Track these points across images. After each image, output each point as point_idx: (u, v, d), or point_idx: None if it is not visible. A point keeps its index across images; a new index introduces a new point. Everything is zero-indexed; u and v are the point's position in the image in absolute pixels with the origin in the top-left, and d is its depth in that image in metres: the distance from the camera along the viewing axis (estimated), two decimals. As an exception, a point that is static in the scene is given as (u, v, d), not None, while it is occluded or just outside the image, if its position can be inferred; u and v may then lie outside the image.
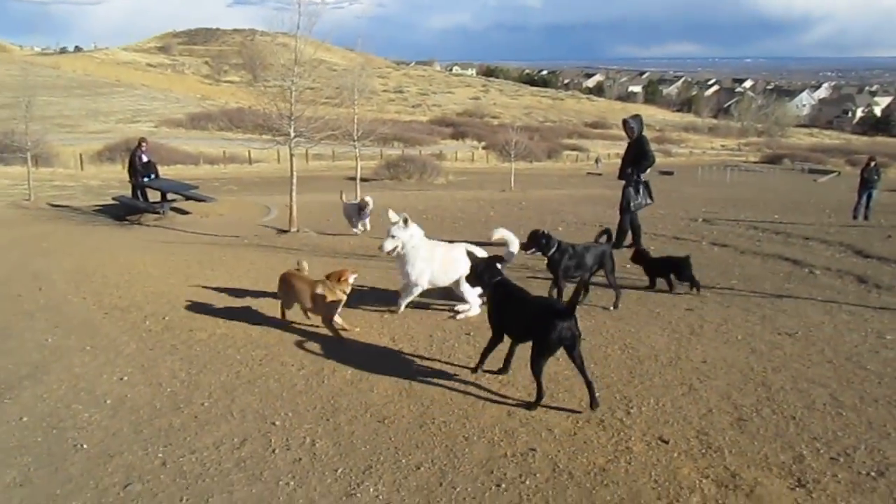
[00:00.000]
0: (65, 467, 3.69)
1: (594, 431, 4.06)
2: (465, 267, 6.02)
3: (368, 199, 13.16)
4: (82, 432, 4.09)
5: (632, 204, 10.09)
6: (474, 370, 4.98)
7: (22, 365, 5.15)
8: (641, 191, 10.14)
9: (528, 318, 4.48)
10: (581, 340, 4.32)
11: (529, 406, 4.39)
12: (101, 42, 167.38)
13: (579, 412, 4.30)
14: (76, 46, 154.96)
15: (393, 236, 6.25)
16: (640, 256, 7.89)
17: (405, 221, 6.33)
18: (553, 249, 6.56)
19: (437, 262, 6.39)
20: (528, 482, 3.51)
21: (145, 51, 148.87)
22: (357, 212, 13.13)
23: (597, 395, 4.36)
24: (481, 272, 5.03)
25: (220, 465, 3.71)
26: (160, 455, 3.81)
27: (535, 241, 6.59)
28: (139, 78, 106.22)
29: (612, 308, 6.68)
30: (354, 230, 13.08)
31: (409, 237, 6.30)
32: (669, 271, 7.54)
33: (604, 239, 6.93)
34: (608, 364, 5.14)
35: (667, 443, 3.92)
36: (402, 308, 6.52)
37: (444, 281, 6.48)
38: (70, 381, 4.87)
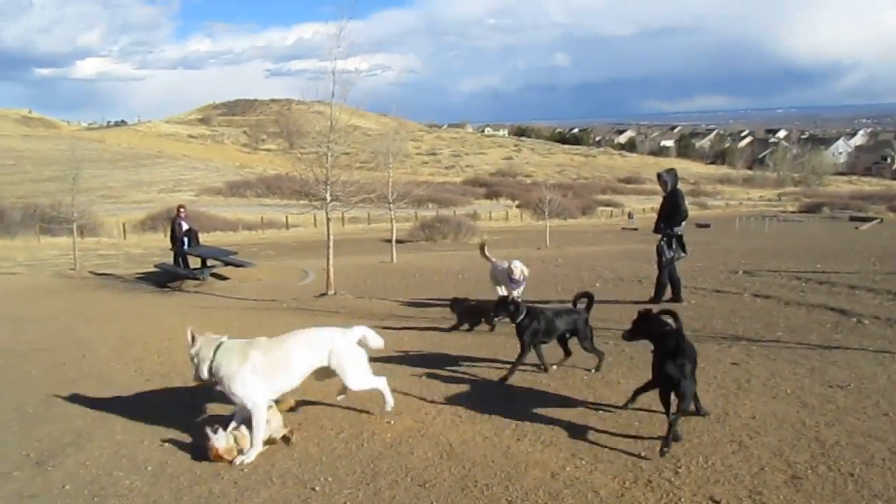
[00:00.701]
0: (106, 536, 3.67)
1: (642, 493, 3.93)
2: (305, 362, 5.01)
3: (518, 265, 9.84)
4: (123, 500, 4.08)
5: (664, 258, 9.99)
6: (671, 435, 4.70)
7: (66, 432, 5.19)
8: (674, 244, 10.03)
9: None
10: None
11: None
12: (144, 116, 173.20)
13: (628, 472, 4.18)
14: (121, 120, 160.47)
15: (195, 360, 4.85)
16: (453, 301, 8.97)
17: (192, 338, 4.89)
18: (522, 315, 6.35)
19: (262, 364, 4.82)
20: (575, 547, 3.39)
21: (186, 122, 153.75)
22: (507, 277, 10.03)
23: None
24: (651, 320, 5.22)
25: (260, 532, 3.66)
26: (201, 523, 3.78)
27: (504, 308, 6.50)
28: (180, 149, 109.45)
29: (593, 370, 6.40)
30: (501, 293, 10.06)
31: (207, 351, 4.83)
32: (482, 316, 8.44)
33: (583, 303, 6.69)
34: (653, 422, 5.00)
35: (718, 503, 3.78)
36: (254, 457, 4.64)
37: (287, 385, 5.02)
38: (112, 447, 4.88)
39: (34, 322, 10.94)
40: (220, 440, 4.53)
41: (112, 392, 6.35)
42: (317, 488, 4.14)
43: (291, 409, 5.37)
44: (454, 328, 8.80)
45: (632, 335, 5.38)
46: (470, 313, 8.83)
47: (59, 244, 32.66)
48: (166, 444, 4.90)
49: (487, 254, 10.96)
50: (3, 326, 10.34)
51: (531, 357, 6.39)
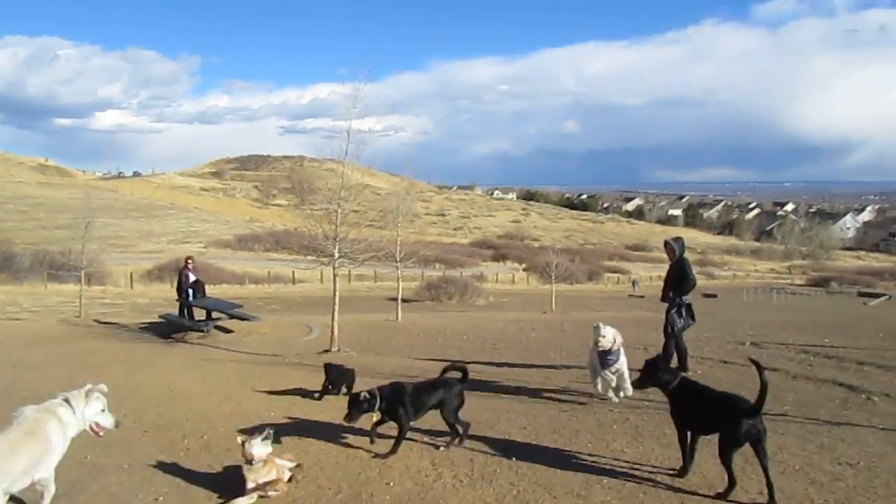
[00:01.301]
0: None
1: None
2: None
3: (608, 332, 7.87)
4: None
5: (676, 327, 9.92)
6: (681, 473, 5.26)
7: (60, 482, 5.08)
8: (684, 313, 9.98)
9: (715, 413, 5.02)
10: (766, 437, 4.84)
11: (719, 495, 4.80)
12: (159, 167, 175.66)
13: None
14: (136, 172, 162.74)
15: None
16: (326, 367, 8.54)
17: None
18: (378, 403, 5.86)
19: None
20: None
21: (199, 175, 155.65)
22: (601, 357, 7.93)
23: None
24: (662, 371, 5.45)
25: None
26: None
27: (358, 407, 5.85)
28: (192, 201, 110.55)
29: (446, 447, 6.02)
30: (599, 390, 8.09)
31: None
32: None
33: (456, 375, 6.41)
34: (658, 496, 4.90)
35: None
36: None
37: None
38: (106, 500, 4.81)
39: (35, 368, 10.89)
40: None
41: (108, 443, 6.25)
42: (312, 550, 4.04)
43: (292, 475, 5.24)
44: (322, 393, 8.34)
45: (641, 383, 5.73)
46: (342, 379, 8.51)
47: (66, 291, 32.72)
48: (160, 499, 4.82)
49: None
50: (4, 372, 10.29)
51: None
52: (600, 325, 7.90)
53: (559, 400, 8.08)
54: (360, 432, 6.49)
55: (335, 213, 13.42)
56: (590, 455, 5.80)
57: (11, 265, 40.44)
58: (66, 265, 27.79)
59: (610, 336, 7.80)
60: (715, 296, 44.29)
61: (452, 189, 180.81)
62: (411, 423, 6.03)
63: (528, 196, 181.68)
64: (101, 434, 4.71)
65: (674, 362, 10.00)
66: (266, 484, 4.80)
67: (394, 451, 5.82)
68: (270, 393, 8.58)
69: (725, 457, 4.86)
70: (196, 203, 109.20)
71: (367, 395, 5.78)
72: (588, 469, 5.45)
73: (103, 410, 4.66)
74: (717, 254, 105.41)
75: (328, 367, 8.60)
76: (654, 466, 5.52)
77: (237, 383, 9.34)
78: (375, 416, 5.90)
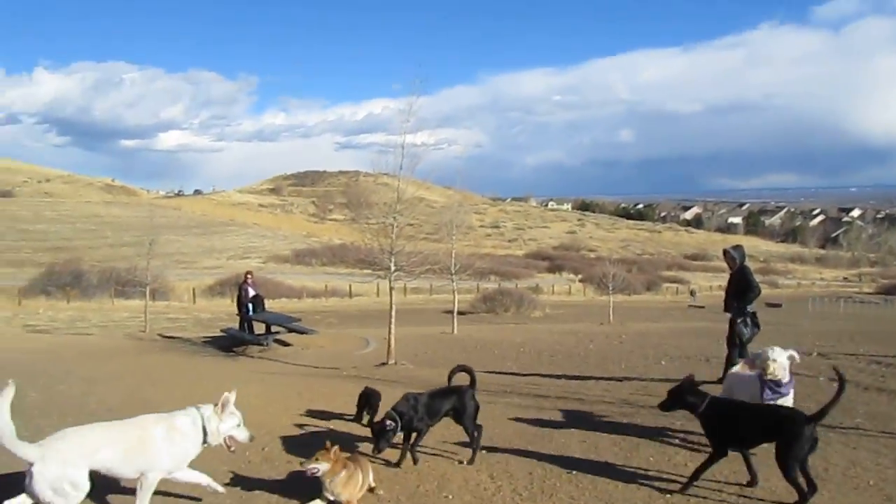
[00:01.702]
0: None
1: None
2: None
3: (781, 358, 6.15)
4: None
5: (743, 338, 9.68)
6: (684, 488, 5.13)
7: (128, 492, 5.22)
8: (749, 322, 9.74)
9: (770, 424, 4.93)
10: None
11: None
12: (219, 185, 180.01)
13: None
14: (196, 190, 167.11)
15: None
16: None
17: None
18: (399, 424, 5.67)
19: None
20: None
21: (258, 192, 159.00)
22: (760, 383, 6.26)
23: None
24: (689, 394, 5.25)
25: None
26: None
27: (384, 435, 5.61)
28: (251, 217, 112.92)
29: (465, 462, 5.92)
30: None
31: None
32: None
33: (464, 380, 6.33)
34: (723, 509, 4.76)
35: None
36: None
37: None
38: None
39: (104, 382, 11.20)
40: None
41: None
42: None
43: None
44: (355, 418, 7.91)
45: (667, 406, 5.45)
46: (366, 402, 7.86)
47: (132, 307, 33.71)
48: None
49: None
50: (76, 386, 10.61)
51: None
52: (773, 348, 6.19)
53: (619, 412, 7.94)
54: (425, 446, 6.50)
55: (391, 226, 13.53)
56: (652, 469, 5.68)
57: (80, 282, 41.90)
58: (131, 281, 28.70)
59: (783, 362, 6.13)
60: (779, 305, 43.10)
61: (506, 201, 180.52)
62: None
63: (583, 206, 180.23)
64: (233, 449, 4.89)
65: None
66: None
67: (409, 458, 5.83)
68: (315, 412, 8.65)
69: (790, 468, 4.70)
70: (255, 219, 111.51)
71: (391, 423, 5.61)
72: (651, 483, 5.33)
73: (238, 425, 4.83)
74: (780, 262, 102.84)
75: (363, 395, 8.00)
76: (719, 480, 5.37)
77: (296, 396, 9.45)
78: (401, 437, 5.85)
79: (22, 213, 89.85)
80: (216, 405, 4.76)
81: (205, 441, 4.72)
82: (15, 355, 14.93)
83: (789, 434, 4.76)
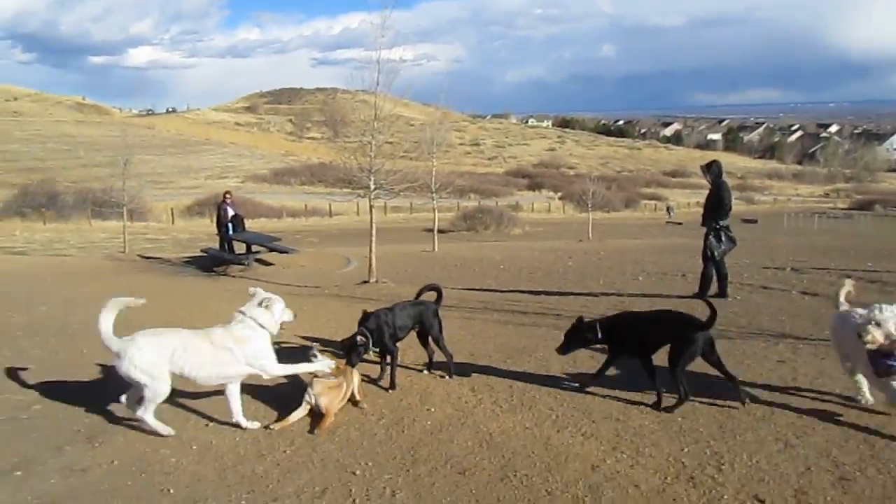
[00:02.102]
0: (152, 513, 3.74)
1: (684, 488, 3.88)
2: None
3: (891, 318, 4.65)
4: (169, 477, 4.15)
5: (716, 253, 9.81)
6: (583, 388, 5.63)
7: (115, 409, 5.30)
8: (723, 237, 9.86)
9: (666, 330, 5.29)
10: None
11: (667, 409, 5.08)
12: (193, 103, 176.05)
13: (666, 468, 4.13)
14: (169, 108, 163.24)
15: None
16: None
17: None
18: (373, 341, 5.74)
19: None
20: (615, 540, 3.36)
21: (233, 110, 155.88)
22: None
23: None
24: (585, 330, 5.56)
25: (302, 514, 3.70)
26: (243, 502, 3.83)
27: (355, 349, 5.61)
28: (227, 136, 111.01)
29: (448, 377, 6.06)
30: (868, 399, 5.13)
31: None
32: None
33: (431, 296, 6.48)
34: (696, 418, 4.93)
35: (763, 502, 3.71)
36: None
37: None
38: (180, 422, 4.97)
39: (85, 303, 11.19)
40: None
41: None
42: (357, 472, 4.17)
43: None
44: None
45: (566, 349, 5.73)
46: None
47: (110, 228, 33.39)
48: (211, 425, 4.98)
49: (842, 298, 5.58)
50: (58, 307, 10.61)
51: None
52: (881, 307, 4.69)
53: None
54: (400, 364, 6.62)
55: (369, 144, 13.37)
56: (628, 381, 5.84)
57: (56, 203, 41.28)
58: (108, 202, 28.29)
59: (893, 324, 4.57)
60: (755, 221, 43.61)
61: (486, 118, 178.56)
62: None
63: (564, 123, 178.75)
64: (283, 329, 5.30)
65: (713, 289, 9.95)
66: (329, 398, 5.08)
67: (392, 384, 5.81)
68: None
69: (677, 370, 5.10)
70: (231, 138, 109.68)
71: (362, 339, 5.64)
72: (627, 395, 5.49)
73: (284, 308, 5.24)
74: (757, 178, 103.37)
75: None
76: (693, 391, 5.53)
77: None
78: (373, 354, 5.95)
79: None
80: (260, 303, 5.14)
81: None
82: (-6, 277, 14.81)
83: (682, 338, 5.13)
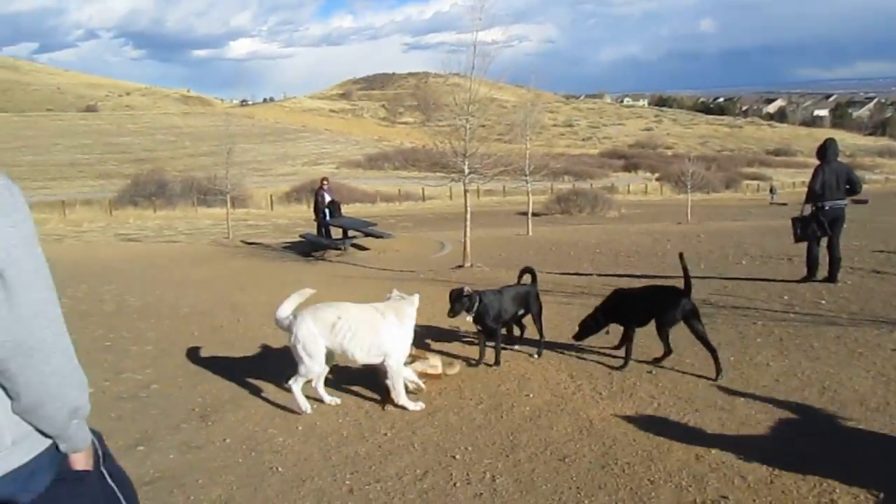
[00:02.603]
0: (262, 488, 3.90)
1: (793, 481, 3.74)
2: None
3: None
4: (277, 456, 4.32)
5: (816, 233, 9.36)
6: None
7: (225, 390, 5.55)
8: (813, 222, 9.40)
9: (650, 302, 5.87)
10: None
11: (656, 360, 5.87)
12: (289, 92, 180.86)
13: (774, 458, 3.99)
14: (266, 98, 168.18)
15: None
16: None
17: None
18: (477, 304, 5.89)
19: None
20: (722, 533, 3.28)
21: (328, 98, 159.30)
22: None
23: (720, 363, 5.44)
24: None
25: (404, 495, 3.77)
26: (347, 482, 3.94)
27: (459, 300, 5.85)
28: (323, 123, 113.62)
29: (535, 356, 6.21)
30: None
31: None
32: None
33: (527, 279, 6.55)
34: (805, 410, 4.74)
35: (877, 496, 3.53)
36: None
37: None
38: (267, 407, 5.17)
39: (194, 287, 11.75)
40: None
41: (265, 355, 6.73)
42: (457, 457, 4.22)
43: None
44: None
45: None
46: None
47: (214, 214, 34.83)
48: (315, 406, 5.14)
49: None
50: (169, 290, 11.16)
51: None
52: None
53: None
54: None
55: (463, 128, 13.38)
56: (733, 369, 5.66)
57: (165, 192, 43.43)
58: (212, 190, 29.47)
59: None
60: (865, 201, 41.14)
61: (580, 98, 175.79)
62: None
63: (661, 102, 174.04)
64: None
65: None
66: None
67: (497, 361, 6.00)
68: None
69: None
70: (326, 125, 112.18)
71: (469, 292, 5.88)
72: (731, 383, 5.33)
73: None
74: (867, 156, 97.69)
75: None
76: (803, 380, 5.32)
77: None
78: (470, 318, 5.98)
79: (106, 126, 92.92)
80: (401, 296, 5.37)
81: None
82: (113, 263, 15.71)
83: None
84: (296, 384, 4.99)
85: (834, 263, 9.44)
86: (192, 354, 6.76)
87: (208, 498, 3.78)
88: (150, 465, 4.15)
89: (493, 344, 6.07)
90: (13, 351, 1.55)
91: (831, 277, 9.37)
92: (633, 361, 5.95)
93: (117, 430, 4.68)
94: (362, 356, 5.01)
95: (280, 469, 4.14)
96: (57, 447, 1.73)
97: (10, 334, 1.54)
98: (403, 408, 5.00)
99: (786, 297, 8.47)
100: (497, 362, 5.98)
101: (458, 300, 5.83)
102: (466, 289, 5.89)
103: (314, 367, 4.96)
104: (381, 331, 5.00)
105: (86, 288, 11.22)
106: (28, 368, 1.58)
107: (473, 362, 6.04)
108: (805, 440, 4.23)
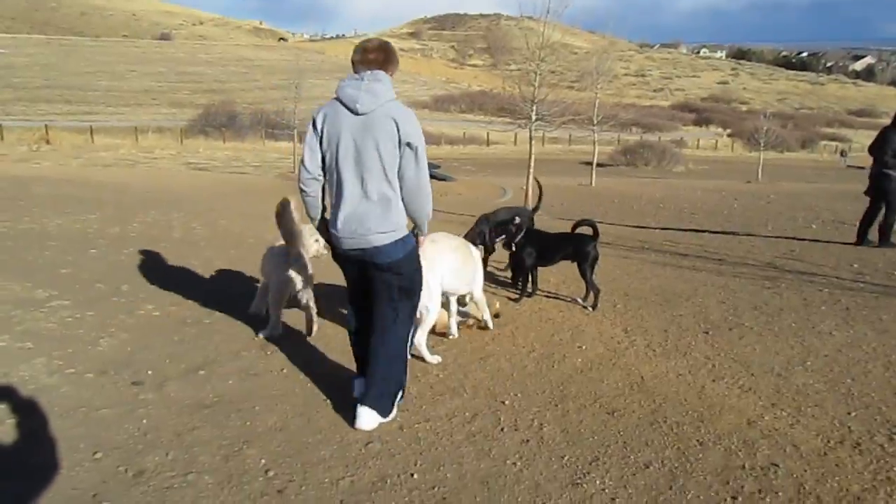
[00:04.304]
0: (316, 419, 4.00)
1: (848, 454, 3.66)
2: None
3: None
4: (331, 387, 4.41)
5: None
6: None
7: (287, 321, 5.68)
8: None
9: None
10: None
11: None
12: (360, 28, 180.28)
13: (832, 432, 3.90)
14: (339, 34, 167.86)
15: None
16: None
17: None
18: (520, 236, 6.04)
19: None
20: (768, 499, 3.24)
21: (398, 36, 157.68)
22: None
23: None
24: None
25: (452, 436, 3.83)
26: (398, 419, 4.01)
27: (506, 229, 6.07)
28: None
29: (590, 308, 6.21)
30: None
31: None
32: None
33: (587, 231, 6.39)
34: (868, 382, 4.60)
35: (939, 478, 3.44)
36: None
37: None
38: (323, 339, 5.27)
39: (260, 219, 11.96)
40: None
41: (329, 289, 6.85)
42: (506, 402, 4.24)
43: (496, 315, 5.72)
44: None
45: None
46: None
47: (281, 148, 35.26)
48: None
49: None
50: (236, 221, 11.41)
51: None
52: None
53: (762, 276, 7.68)
54: (554, 297, 6.62)
55: (533, 73, 13.14)
56: (794, 336, 5.52)
57: (234, 123, 44.12)
58: (280, 124, 29.77)
59: None
60: None
61: (654, 48, 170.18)
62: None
63: (739, 54, 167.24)
64: None
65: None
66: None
67: (524, 291, 6.26)
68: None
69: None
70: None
71: (518, 222, 5.95)
72: (790, 350, 5.21)
73: None
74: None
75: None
76: (867, 352, 5.16)
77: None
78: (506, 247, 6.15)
79: (179, 55, 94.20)
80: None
81: None
82: (183, 191, 16.10)
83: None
84: (422, 335, 4.82)
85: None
86: (255, 286, 6.92)
87: (264, 424, 3.90)
88: (209, 390, 4.30)
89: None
90: (416, 187, 3.63)
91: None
92: (691, 320, 5.88)
93: (179, 353, 4.84)
94: (460, 286, 5.19)
95: (334, 401, 4.23)
96: (412, 234, 3.82)
97: (416, 180, 3.61)
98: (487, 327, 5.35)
99: (856, 266, 8.18)
100: (518, 299, 6.22)
101: (505, 227, 5.94)
102: (517, 218, 5.94)
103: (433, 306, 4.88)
104: (472, 265, 5.28)
105: (155, 214, 11.55)
106: (419, 196, 3.67)
107: (516, 297, 6.31)
108: (864, 414, 4.12)
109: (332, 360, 4.89)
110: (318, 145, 3.69)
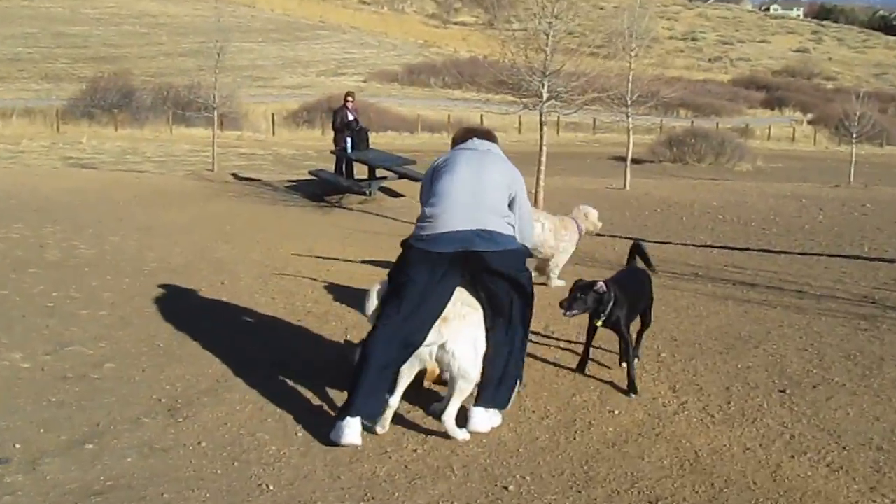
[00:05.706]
0: (246, 512, 4.01)
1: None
2: None
3: None
4: (269, 469, 4.39)
5: None
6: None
7: (202, 377, 5.67)
8: None
9: None
10: None
11: None
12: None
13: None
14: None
15: None
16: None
17: None
18: (611, 304, 5.57)
19: None
20: None
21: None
22: None
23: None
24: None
25: (435, 537, 3.84)
26: (359, 518, 4.02)
27: (586, 296, 5.53)
28: (348, 18, 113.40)
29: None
30: None
31: None
32: None
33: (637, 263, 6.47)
34: None
35: None
36: None
37: None
38: (255, 402, 5.27)
39: (164, 235, 11.96)
40: None
41: (256, 332, 6.85)
42: (510, 488, 4.25)
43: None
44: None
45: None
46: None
47: (195, 137, 35.25)
48: (321, 405, 5.22)
49: None
50: (130, 238, 11.38)
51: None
52: None
53: (856, 314, 7.77)
54: (576, 341, 6.65)
55: (544, 35, 13.24)
56: (898, 395, 5.60)
57: (131, 103, 43.93)
58: (194, 103, 29.63)
59: None
60: None
61: (709, 2, 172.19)
62: None
63: (822, 13, 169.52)
64: None
65: None
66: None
67: (632, 386, 5.62)
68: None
69: None
70: (353, 21, 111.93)
71: (604, 288, 5.53)
72: (895, 415, 5.28)
73: None
74: None
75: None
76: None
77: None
78: (599, 323, 5.71)
79: (56, 9, 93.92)
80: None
81: None
82: (57, 196, 15.98)
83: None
84: (452, 409, 4.86)
85: None
86: (160, 326, 6.91)
87: (174, 519, 3.90)
88: (100, 470, 4.27)
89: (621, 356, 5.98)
90: (524, 224, 5.32)
91: None
92: (762, 374, 5.93)
93: (58, 420, 4.82)
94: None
95: (271, 487, 4.21)
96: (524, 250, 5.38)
97: (522, 218, 5.29)
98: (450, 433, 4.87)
99: (984, 300, 8.31)
100: (631, 387, 5.63)
101: (584, 294, 5.52)
102: (600, 284, 5.50)
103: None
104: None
105: (22, 228, 11.50)
106: (525, 228, 5.39)
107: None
108: None
109: (266, 430, 4.88)
110: None
